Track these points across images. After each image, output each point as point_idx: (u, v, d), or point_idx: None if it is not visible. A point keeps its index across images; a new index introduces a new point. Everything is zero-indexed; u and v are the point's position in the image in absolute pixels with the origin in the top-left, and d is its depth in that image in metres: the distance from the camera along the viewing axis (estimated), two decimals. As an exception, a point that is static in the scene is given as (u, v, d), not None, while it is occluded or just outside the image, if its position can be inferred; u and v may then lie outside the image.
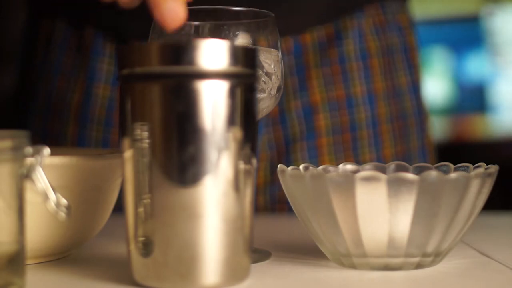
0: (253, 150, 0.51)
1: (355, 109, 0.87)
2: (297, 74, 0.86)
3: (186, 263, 0.49)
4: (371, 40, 0.88)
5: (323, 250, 0.57)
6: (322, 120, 0.86)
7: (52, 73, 0.89)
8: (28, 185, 0.56)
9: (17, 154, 0.49)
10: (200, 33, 0.60)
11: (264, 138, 0.85)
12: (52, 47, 0.89)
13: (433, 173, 0.52)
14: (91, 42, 0.86)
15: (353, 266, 0.55)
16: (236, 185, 0.50)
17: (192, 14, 0.59)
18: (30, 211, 0.56)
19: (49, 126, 0.88)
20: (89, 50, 0.86)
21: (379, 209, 0.52)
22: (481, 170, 0.55)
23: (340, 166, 0.62)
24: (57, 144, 0.86)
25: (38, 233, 0.57)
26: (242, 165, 0.50)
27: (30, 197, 0.55)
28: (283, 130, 0.86)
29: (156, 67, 0.49)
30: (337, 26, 0.87)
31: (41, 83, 0.90)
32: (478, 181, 0.54)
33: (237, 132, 0.50)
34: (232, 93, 0.49)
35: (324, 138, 0.86)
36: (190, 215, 0.49)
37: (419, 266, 0.55)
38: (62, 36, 0.88)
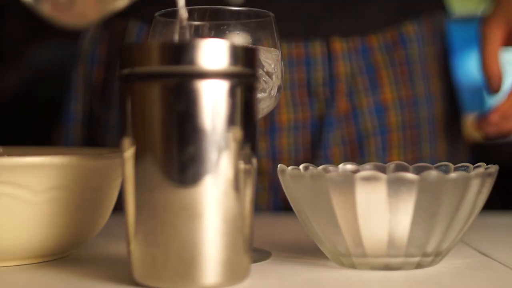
0: (253, 150, 0.51)
1: (420, 107, 0.91)
2: (367, 73, 0.88)
3: (186, 263, 0.49)
4: (430, 45, 0.93)
5: (323, 250, 0.57)
6: (393, 117, 0.89)
7: None
8: (25, 185, 0.56)
9: None
10: (200, 33, 0.60)
11: (336, 134, 0.87)
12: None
13: (433, 173, 0.52)
14: None
15: (353, 266, 0.55)
16: (236, 185, 0.50)
17: (192, 14, 0.59)
18: (30, 211, 0.56)
19: None
20: None
21: (379, 209, 0.52)
22: (481, 170, 0.55)
23: (340, 166, 0.62)
24: None
25: (38, 233, 0.57)
26: (242, 165, 0.50)
27: (29, 196, 0.55)
28: (355, 126, 0.88)
29: (156, 67, 0.49)
30: (400, 29, 0.90)
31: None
32: (478, 181, 0.54)
33: (237, 132, 0.50)
34: (232, 93, 0.49)
35: (394, 133, 0.89)
36: (190, 215, 0.49)
37: (419, 266, 0.55)
38: (136, 34, 0.89)
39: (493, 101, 0.93)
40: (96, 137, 0.93)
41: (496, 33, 0.88)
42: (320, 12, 0.87)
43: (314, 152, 0.87)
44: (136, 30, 0.90)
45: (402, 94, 0.89)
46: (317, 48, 0.87)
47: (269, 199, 0.88)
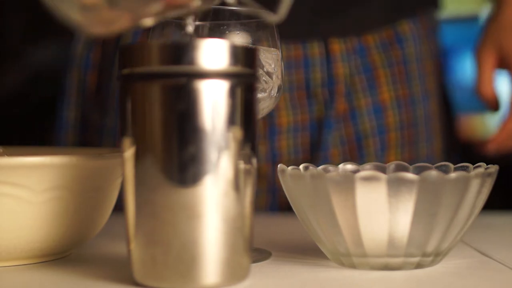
0: (253, 150, 0.51)
1: (417, 106, 0.91)
2: (364, 73, 0.89)
3: (186, 263, 0.49)
4: (425, 43, 0.94)
5: (323, 250, 0.57)
6: (391, 117, 0.89)
7: None
8: (25, 185, 0.56)
9: None
10: (200, 33, 0.60)
11: (335, 134, 0.87)
12: None
13: (433, 173, 0.52)
14: None
15: (353, 266, 0.55)
16: (236, 185, 0.50)
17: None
18: (30, 211, 0.56)
19: None
20: None
21: (379, 209, 0.52)
22: (481, 170, 0.55)
23: (340, 166, 0.62)
24: None
25: (38, 233, 0.57)
26: (242, 165, 0.50)
27: (29, 197, 0.55)
28: (353, 127, 0.88)
29: (156, 67, 0.49)
30: (396, 29, 0.91)
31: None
32: (478, 181, 0.54)
33: (237, 132, 0.50)
34: (232, 93, 0.49)
35: (392, 133, 0.89)
36: (190, 215, 0.49)
37: (419, 266, 0.55)
38: (131, 37, 0.89)
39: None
40: (90, 143, 0.92)
41: (488, 60, 0.93)
42: (317, 13, 0.87)
43: (314, 154, 0.87)
44: (131, 33, 0.89)
45: (400, 94, 0.90)
46: (315, 49, 0.87)
47: (267, 202, 0.88)
